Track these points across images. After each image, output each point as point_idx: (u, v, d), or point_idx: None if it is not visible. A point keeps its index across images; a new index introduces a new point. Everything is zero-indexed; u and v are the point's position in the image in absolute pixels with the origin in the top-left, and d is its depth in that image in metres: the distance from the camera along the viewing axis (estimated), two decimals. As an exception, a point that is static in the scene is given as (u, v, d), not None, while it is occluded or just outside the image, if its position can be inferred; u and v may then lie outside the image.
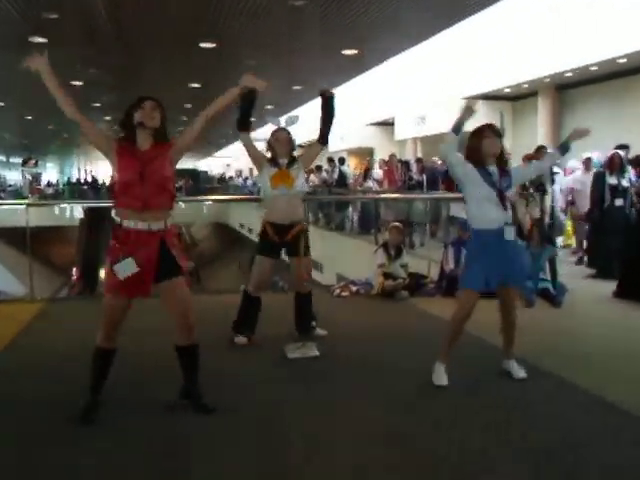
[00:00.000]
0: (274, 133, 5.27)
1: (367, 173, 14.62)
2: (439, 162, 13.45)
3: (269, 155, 5.26)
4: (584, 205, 9.41)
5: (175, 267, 3.58)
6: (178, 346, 3.72)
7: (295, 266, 5.33)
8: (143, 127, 3.50)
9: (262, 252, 5.24)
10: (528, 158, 9.65)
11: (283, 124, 5.27)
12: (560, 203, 10.10)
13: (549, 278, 7.11)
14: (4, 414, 3.76)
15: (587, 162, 10.02)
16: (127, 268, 3.44)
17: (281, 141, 5.19)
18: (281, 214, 5.15)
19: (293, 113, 5.31)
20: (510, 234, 4.16)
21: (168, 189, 3.55)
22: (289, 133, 5.29)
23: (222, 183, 38.09)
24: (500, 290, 4.28)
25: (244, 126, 5.14)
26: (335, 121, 5.29)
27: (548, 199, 9.48)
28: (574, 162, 11.59)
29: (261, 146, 5.39)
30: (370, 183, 14.21)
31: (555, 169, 10.08)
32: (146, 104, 3.51)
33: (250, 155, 5.26)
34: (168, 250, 3.54)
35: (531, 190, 8.77)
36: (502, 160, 4.25)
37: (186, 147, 3.70)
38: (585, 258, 9.60)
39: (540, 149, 9.83)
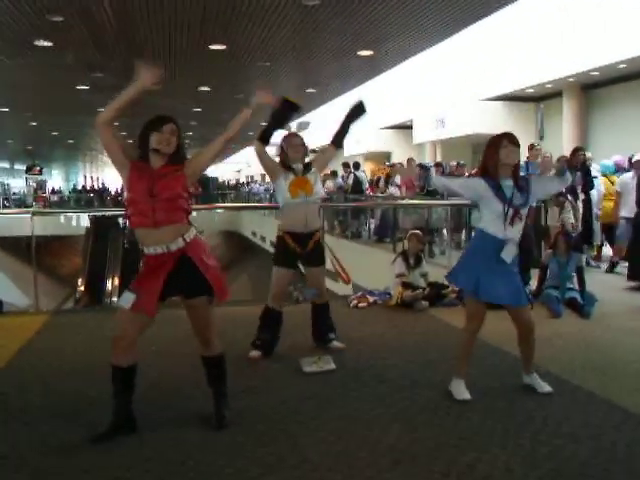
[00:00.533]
0: (286, 138, 5.29)
1: (389, 179, 14.53)
2: (454, 165, 13.42)
3: (279, 160, 5.28)
4: (628, 210, 9.24)
5: (200, 285, 3.58)
6: (202, 356, 3.84)
7: (315, 276, 5.37)
8: (158, 152, 3.52)
9: (279, 263, 5.27)
10: (567, 161, 9.49)
11: (294, 129, 5.30)
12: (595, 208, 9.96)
13: (577, 287, 7.07)
14: (9, 428, 3.78)
15: (638, 164, 9.74)
16: (125, 300, 3.52)
17: (294, 146, 5.20)
18: (301, 223, 5.18)
19: (304, 119, 5.34)
20: (508, 255, 4.10)
21: (180, 206, 3.56)
22: (302, 138, 5.32)
23: (236, 190, 38.22)
24: (508, 309, 4.26)
25: (265, 140, 5.16)
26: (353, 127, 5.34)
27: (580, 204, 9.39)
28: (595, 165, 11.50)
29: (271, 151, 5.40)
30: (392, 189, 14.16)
31: (594, 173, 9.97)
32: (165, 129, 3.51)
33: (263, 163, 5.28)
34: (193, 266, 3.55)
35: (569, 197, 8.69)
36: (517, 171, 4.19)
37: (200, 169, 3.76)
38: (619, 266, 9.43)
39: (576, 151, 9.72)
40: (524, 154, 8.75)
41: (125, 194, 3.58)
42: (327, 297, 5.56)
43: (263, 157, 5.22)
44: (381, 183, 14.97)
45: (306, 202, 5.15)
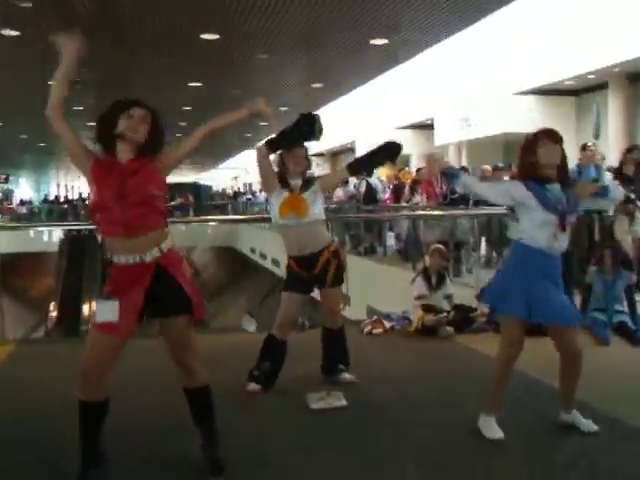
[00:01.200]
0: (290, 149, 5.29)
1: (415, 186, 14.45)
2: (489, 169, 13.31)
3: (277, 170, 5.28)
4: None
5: (180, 302, 3.53)
6: (184, 388, 3.75)
7: (327, 297, 5.39)
8: (124, 139, 3.45)
9: (289, 287, 5.30)
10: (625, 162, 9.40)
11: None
12: None
13: (627, 310, 7.02)
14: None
15: None
16: (108, 312, 3.38)
17: (296, 158, 5.21)
18: (296, 246, 5.20)
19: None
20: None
21: (156, 208, 3.50)
22: (306, 149, 5.33)
23: (234, 200, 38.26)
24: (552, 329, 4.21)
25: (273, 147, 5.18)
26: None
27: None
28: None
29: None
30: (418, 198, 14.09)
31: None
32: (135, 112, 3.46)
33: (261, 171, 5.29)
34: (171, 280, 3.50)
35: (639, 203, 8.60)
36: (565, 172, 4.18)
37: (176, 162, 3.70)
38: None
39: (629, 151, 9.64)
40: (569, 153, 8.70)
41: (90, 197, 3.49)
42: (341, 322, 5.55)
43: (263, 164, 5.23)
44: (406, 191, 14.87)
45: (297, 225, 5.13)
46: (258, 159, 5.24)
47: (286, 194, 5.15)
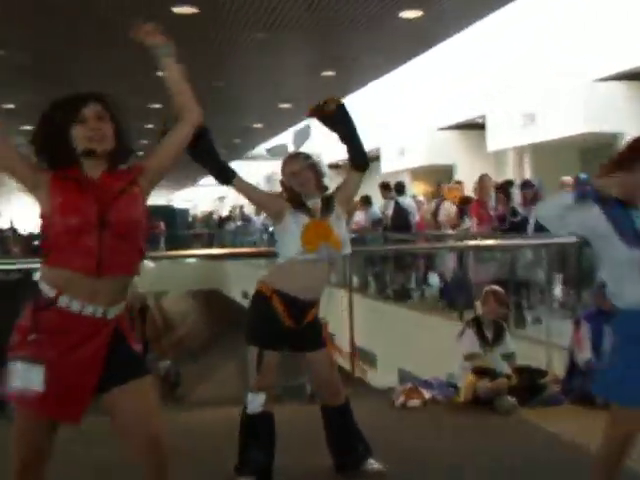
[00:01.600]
0: (284, 167, 5.31)
1: (464, 207, 14.28)
2: (570, 180, 13.14)
3: (287, 197, 5.26)
4: None
5: (136, 362, 3.54)
6: None
7: (321, 365, 5.33)
8: (93, 154, 3.39)
9: (266, 342, 5.17)
10: None
11: (292, 147, 5.30)
12: None
13: None
14: None
15: None
16: (29, 380, 3.27)
17: (295, 175, 5.20)
18: (308, 286, 5.16)
19: (302, 125, 5.34)
20: None
21: (138, 244, 3.47)
22: (307, 157, 5.34)
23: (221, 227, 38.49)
24: None
25: (225, 177, 5.14)
26: (363, 133, 5.36)
27: None
28: None
29: (265, 169, 5.40)
30: (469, 222, 13.97)
31: None
32: (87, 114, 3.37)
33: (256, 203, 5.33)
34: (123, 338, 3.48)
35: None
36: None
37: (159, 175, 3.69)
38: None
39: None
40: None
41: (48, 219, 3.34)
42: (344, 394, 5.45)
43: (251, 194, 5.31)
44: (444, 210, 14.77)
45: (328, 259, 5.14)
46: (243, 195, 5.32)
47: (305, 218, 5.09)
